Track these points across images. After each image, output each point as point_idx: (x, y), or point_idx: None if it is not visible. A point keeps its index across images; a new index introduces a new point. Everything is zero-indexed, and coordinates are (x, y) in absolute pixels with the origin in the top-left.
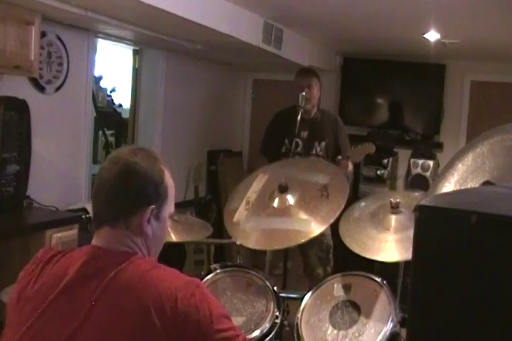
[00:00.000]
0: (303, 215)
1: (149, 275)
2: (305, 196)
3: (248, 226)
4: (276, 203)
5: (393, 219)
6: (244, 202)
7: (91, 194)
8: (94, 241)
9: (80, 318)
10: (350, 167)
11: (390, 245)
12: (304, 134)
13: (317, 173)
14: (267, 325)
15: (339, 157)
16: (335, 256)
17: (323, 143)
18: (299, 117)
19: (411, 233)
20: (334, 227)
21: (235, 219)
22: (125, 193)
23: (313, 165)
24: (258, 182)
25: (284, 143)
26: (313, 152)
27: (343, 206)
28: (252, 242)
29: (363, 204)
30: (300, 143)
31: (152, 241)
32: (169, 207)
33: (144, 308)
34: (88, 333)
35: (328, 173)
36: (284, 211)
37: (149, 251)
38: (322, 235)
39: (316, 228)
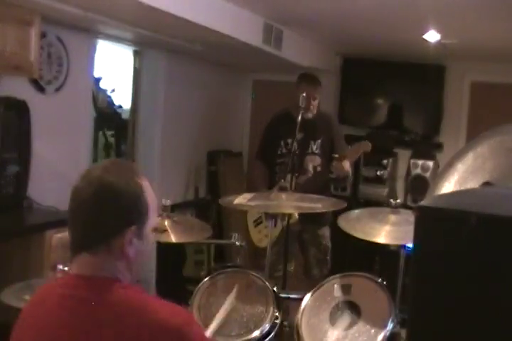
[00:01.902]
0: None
1: (141, 305)
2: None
3: (253, 204)
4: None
5: (392, 217)
6: (240, 197)
7: (67, 217)
8: (74, 270)
9: None
10: (347, 166)
11: (388, 232)
12: (299, 136)
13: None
14: (266, 326)
15: (335, 155)
16: (335, 257)
17: (319, 141)
18: (299, 118)
19: (409, 228)
20: (333, 230)
21: (236, 202)
22: (103, 218)
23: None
24: (247, 195)
25: (279, 145)
26: (309, 151)
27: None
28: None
29: (356, 211)
30: (295, 143)
31: (135, 262)
32: (152, 222)
33: (135, 338)
34: None
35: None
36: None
37: (131, 273)
38: (321, 236)
39: (324, 207)
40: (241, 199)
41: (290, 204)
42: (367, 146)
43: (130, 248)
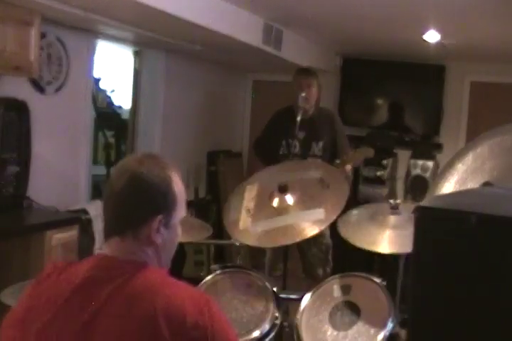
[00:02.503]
0: (310, 208)
1: (160, 287)
2: (306, 192)
3: (259, 230)
4: (278, 203)
5: (392, 219)
6: (244, 211)
7: (102, 204)
8: (103, 251)
9: (86, 324)
10: (348, 169)
11: (389, 238)
12: (301, 135)
13: (308, 170)
14: (266, 326)
15: (337, 161)
16: (334, 257)
17: (321, 143)
18: (298, 118)
19: (410, 232)
20: (333, 228)
21: (242, 227)
22: (132, 204)
23: (301, 165)
24: (250, 192)
25: (281, 145)
26: (311, 152)
27: (347, 192)
28: (263, 241)
29: (355, 212)
30: (297, 144)
31: (163, 250)
32: (179, 213)
33: (152, 319)
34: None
35: (317, 167)
36: (289, 209)
37: (160, 259)
38: (321, 235)
39: (329, 215)
40: (245, 221)
41: (296, 219)
42: (369, 152)
43: (157, 236)
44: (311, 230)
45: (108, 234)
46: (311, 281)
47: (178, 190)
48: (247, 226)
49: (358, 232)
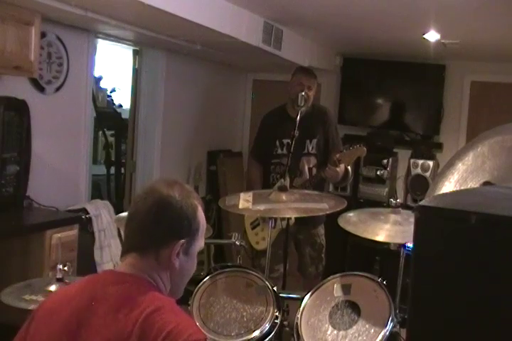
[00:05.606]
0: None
1: (159, 313)
2: (305, 197)
3: (261, 208)
4: (277, 198)
5: (393, 217)
6: (242, 200)
7: (126, 220)
8: (118, 267)
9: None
10: (342, 168)
11: (390, 231)
12: (295, 133)
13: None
14: (266, 326)
15: (336, 155)
16: (335, 257)
17: (315, 141)
18: (298, 118)
19: (410, 228)
20: (327, 228)
21: (242, 206)
22: (158, 225)
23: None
24: (245, 194)
25: (275, 145)
26: (305, 151)
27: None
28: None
29: (351, 214)
30: (291, 143)
31: (178, 275)
32: (199, 243)
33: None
34: None
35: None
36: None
37: (173, 285)
38: (316, 235)
39: (332, 208)
40: (244, 203)
41: (296, 205)
42: (362, 151)
43: (176, 260)
44: (316, 210)
45: (127, 249)
46: (305, 279)
47: (202, 220)
48: (247, 206)
49: (360, 225)
